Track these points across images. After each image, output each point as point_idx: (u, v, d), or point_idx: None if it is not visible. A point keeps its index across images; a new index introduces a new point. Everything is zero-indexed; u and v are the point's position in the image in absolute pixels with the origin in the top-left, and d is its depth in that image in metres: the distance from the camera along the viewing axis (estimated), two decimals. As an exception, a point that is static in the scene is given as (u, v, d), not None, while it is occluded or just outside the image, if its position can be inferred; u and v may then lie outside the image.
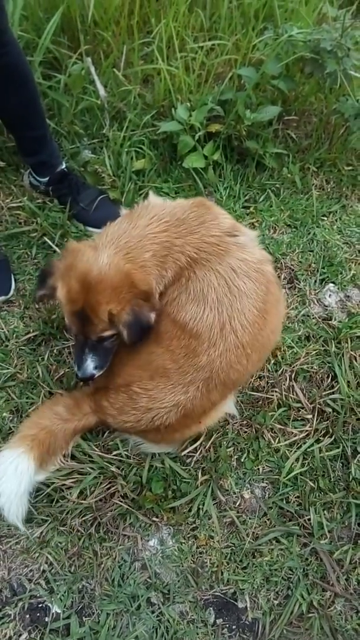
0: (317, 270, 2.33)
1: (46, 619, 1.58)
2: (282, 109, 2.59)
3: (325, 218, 2.55)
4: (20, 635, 1.56)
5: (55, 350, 2.00)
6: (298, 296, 2.25)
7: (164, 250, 1.54)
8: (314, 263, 2.36)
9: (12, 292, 2.13)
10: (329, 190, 2.66)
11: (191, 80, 2.58)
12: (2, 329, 2.04)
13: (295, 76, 2.63)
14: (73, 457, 1.74)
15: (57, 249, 2.24)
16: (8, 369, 1.93)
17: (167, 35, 2.60)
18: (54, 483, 1.70)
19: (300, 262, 2.36)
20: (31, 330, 2.03)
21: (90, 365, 1.61)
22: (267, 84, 2.61)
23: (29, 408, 1.83)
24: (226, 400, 1.74)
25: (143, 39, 2.73)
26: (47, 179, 2.31)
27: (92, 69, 2.57)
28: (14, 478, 1.55)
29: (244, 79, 2.54)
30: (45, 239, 2.26)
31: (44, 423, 1.66)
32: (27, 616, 1.59)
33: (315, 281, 2.30)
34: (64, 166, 2.33)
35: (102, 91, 2.56)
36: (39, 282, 1.65)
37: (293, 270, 2.33)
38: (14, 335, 2.02)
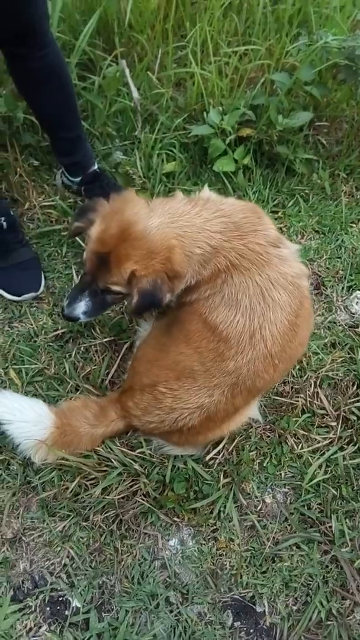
0: (345, 277, 2.32)
1: (66, 613, 1.60)
2: (314, 114, 2.59)
3: (354, 225, 2.54)
4: (40, 627, 1.58)
5: (82, 348, 2.03)
6: (325, 303, 2.24)
7: (212, 251, 1.51)
8: (342, 270, 2.35)
9: (42, 289, 2.16)
10: (358, 197, 2.64)
11: (224, 85, 2.60)
12: (32, 325, 2.07)
13: (328, 82, 2.62)
14: (97, 453, 1.76)
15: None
16: (36, 364, 1.97)
17: (201, 39, 2.62)
18: (80, 473, 1.73)
19: (327, 268, 2.35)
20: (59, 327, 2.06)
21: (81, 307, 1.58)
22: (299, 89, 2.61)
23: (56, 402, 1.87)
24: (249, 406, 1.74)
25: (177, 42, 2.75)
26: (79, 179, 2.34)
27: (127, 72, 2.60)
28: (32, 426, 1.65)
29: (276, 84, 2.54)
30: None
31: (73, 423, 1.70)
32: (48, 609, 1.61)
33: (343, 288, 2.30)
34: (96, 167, 2.36)
35: (135, 93, 2.59)
36: (78, 215, 1.59)
37: (320, 276, 2.32)
38: (43, 332, 2.06)
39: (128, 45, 2.75)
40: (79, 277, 1.61)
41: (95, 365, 1.99)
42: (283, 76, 2.47)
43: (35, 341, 2.04)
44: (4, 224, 2.12)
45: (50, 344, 2.04)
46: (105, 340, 2.04)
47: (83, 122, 2.40)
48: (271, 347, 1.52)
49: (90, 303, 1.57)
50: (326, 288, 2.29)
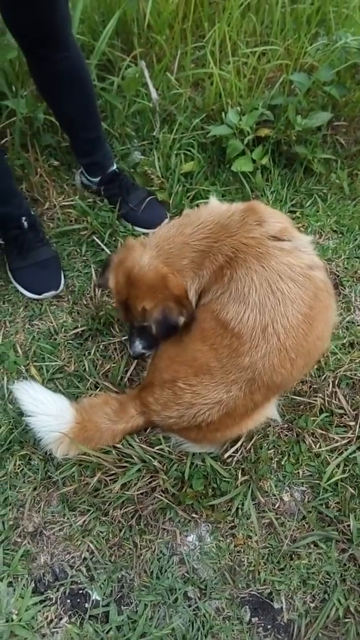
0: (363, 277, 2.33)
1: (86, 605, 1.63)
2: (332, 114, 2.59)
3: (373, 225, 2.54)
4: (61, 618, 1.61)
5: (101, 346, 2.06)
6: (343, 302, 2.25)
7: (201, 255, 1.64)
8: (360, 270, 2.36)
9: (61, 287, 2.20)
10: (377, 197, 2.64)
11: (242, 85, 2.61)
12: (52, 323, 2.11)
13: (347, 82, 2.62)
14: (117, 449, 1.79)
15: (105, 248, 2.30)
16: (56, 361, 2.00)
17: (219, 39, 2.64)
18: (100, 469, 1.76)
19: (346, 268, 2.35)
20: (79, 325, 2.10)
21: (138, 346, 1.79)
22: (318, 89, 2.61)
23: (76, 399, 1.90)
24: (269, 403, 1.75)
25: (195, 42, 2.77)
26: (98, 179, 2.37)
27: (146, 72, 2.62)
28: (53, 419, 1.70)
29: (295, 85, 2.54)
30: (95, 237, 2.33)
31: (94, 419, 1.73)
32: (68, 601, 1.64)
33: (361, 288, 2.30)
34: (115, 167, 2.39)
35: (154, 94, 2.62)
36: (101, 272, 1.83)
37: (338, 276, 2.32)
38: (63, 330, 2.09)
39: (147, 46, 2.78)
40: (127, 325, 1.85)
41: (114, 363, 2.02)
42: (302, 76, 2.48)
43: (55, 339, 2.08)
44: (25, 223, 2.16)
45: (70, 341, 2.07)
46: (124, 338, 2.06)
47: (102, 123, 2.43)
48: (285, 341, 1.52)
49: (142, 339, 1.79)
50: (344, 288, 2.29)
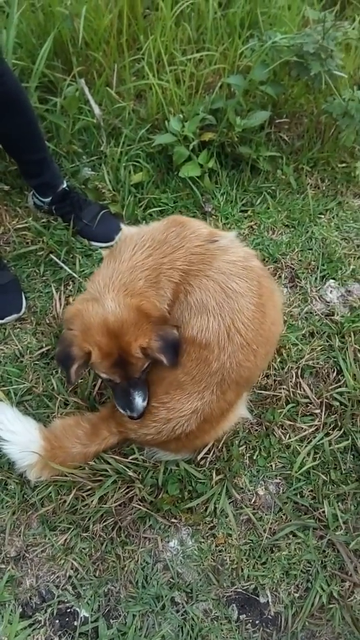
0: (317, 268, 2.38)
1: (75, 623, 1.64)
2: (273, 112, 2.65)
3: (322, 216, 2.59)
4: (51, 640, 1.62)
5: (67, 364, 2.06)
6: (300, 294, 2.29)
7: (153, 272, 1.58)
8: (314, 261, 2.40)
9: (23, 309, 2.20)
10: (324, 188, 2.70)
11: (182, 92, 2.65)
12: (17, 345, 2.11)
13: (283, 80, 2.68)
14: (89, 465, 1.80)
15: (64, 266, 2.31)
16: (24, 383, 2.01)
17: (156, 50, 2.68)
18: (76, 486, 1.77)
19: (300, 260, 2.40)
20: (44, 345, 2.10)
21: (139, 401, 1.64)
22: (255, 89, 2.66)
23: (47, 420, 1.91)
24: (241, 400, 1.79)
25: (133, 55, 2.80)
26: (49, 198, 2.39)
27: (86, 90, 2.65)
28: (19, 452, 1.71)
29: (233, 87, 2.60)
30: (52, 256, 2.34)
31: (64, 444, 1.74)
32: (57, 621, 1.64)
33: (316, 278, 2.35)
34: (65, 185, 2.41)
35: (97, 110, 2.64)
36: (65, 361, 1.59)
37: (293, 269, 2.37)
38: (28, 351, 2.10)
39: (86, 64, 2.80)
40: (114, 390, 1.69)
41: (82, 379, 2.02)
42: (237, 78, 2.53)
43: (21, 361, 2.08)
44: (-20, 250, 2.17)
45: (37, 362, 2.08)
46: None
47: (48, 143, 2.45)
48: (246, 335, 1.56)
49: (140, 390, 1.64)
50: (300, 280, 2.33)
